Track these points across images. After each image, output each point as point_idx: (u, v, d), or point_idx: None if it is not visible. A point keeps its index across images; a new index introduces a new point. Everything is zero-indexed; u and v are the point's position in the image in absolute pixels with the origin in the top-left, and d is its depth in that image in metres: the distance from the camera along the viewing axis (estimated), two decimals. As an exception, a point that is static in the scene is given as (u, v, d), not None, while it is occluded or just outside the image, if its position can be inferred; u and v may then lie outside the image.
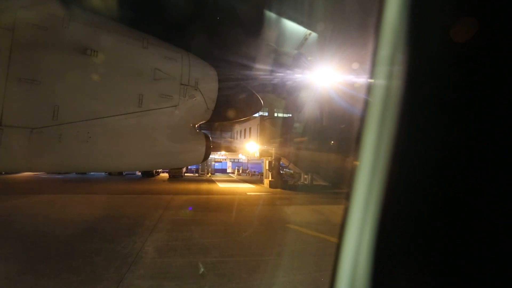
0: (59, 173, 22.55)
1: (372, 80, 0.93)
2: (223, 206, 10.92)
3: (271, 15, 13.21)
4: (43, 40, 2.88)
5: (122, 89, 3.39)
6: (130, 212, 8.87)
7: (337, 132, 17.06)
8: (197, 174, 31.21)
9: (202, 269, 4.38)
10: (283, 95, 23.75)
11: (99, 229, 6.60)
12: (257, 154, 20.36)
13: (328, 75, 16.17)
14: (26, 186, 15.20)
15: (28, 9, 2.84)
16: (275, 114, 27.68)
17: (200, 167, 31.46)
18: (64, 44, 2.99)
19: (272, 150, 19.28)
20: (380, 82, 0.91)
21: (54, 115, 2.91)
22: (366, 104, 0.92)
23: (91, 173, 24.87)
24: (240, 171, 33.80)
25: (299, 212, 9.95)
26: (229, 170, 36.45)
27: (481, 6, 0.70)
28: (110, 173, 24.80)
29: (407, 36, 0.83)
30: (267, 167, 20.88)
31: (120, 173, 25.69)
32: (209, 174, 30.63)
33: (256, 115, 18.78)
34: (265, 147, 19.57)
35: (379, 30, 0.88)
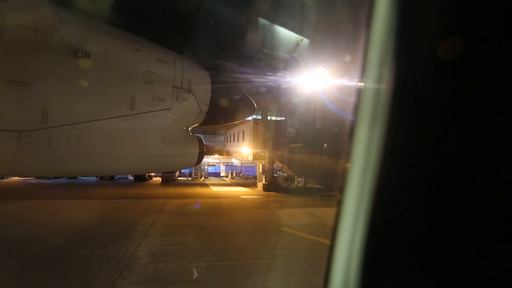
0: (49, 178, 22.04)
1: (362, 84, 0.95)
2: (216, 209, 10.85)
3: (264, 21, 13.33)
4: (33, 41, 2.83)
5: (114, 92, 3.36)
6: (122, 217, 8.72)
7: (330, 135, 17.20)
8: (190, 178, 30.91)
9: (195, 274, 4.33)
10: (276, 98, 23.92)
11: (90, 234, 6.47)
12: (250, 158, 20.34)
13: (320, 79, 16.36)
14: (14, 192, 14.80)
15: (18, 10, 2.79)
16: (269, 118, 27.77)
17: (193, 170, 31.19)
18: (55, 46, 2.95)
19: (266, 153, 19.30)
20: (370, 86, 0.93)
21: (44, 118, 2.85)
22: (357, 107, 0.94)
23: (82, 177, 24.40)
24: (234, 175, 33.64)
25: (293, 215, 9.96)
26: (222, 174, 36.22)
27: (465, 27, 0.73)
28: (101, 178, 24.34)
29: (397, 42, 0.85)
30: (260, 171, 20.87)
31: (112, 177, 25.23)
32: (203, 177, 30.35)
33: (249, 118, 18.80)
34: (258, 150, 19.56)
35: (369, 36, 0.90)
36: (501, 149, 0.66)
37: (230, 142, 28.87)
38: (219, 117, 4.66)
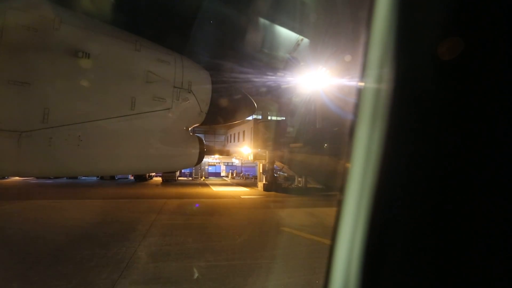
0: (49, 178, 22.07)
1: (363, 84, 0.95)
2: (217, 209, 10.85)
3: (264, 21, 13.34)
4: (34, 41, 2.84)
5: (114, 92, 3.36)
6: (123, 217, 8.73)
7: (330, 135, 17.20)
8: (190, 178, 30.92)
9: (196, 274, 4.33)
10: (277, 98, 23.92)
11: (91, 234, 6.47)
12: (251, 158, 20.34)
13: (320, 79, 16.35)
14: (14, 192, 14.82)
15: (18, 10, 2.79)
16: (269, 117, 27.76)
17: (193, 170, 31.20)
18: (55, 46, 2.95)
19: (266, 153, 19.30)
20: (370, 86, 0.93)
21: (44, 118, 2.85)
22: (358, 107, 0.94)
23: (83, 177, 24.42)
24: (234, 175, 33.64)
25: (294, 215, 9.95)
26: (223, 174, 36.21)
27: (465, 27, 0.73)
28: (102, 178, 24.37)
29: (397, 41, 0.85)
30: (261, 170, 20.87)
31: (112, 177, 25.25)
32: (203, 177, 30.35)
33: (250, 118, 18.80)
34: (259, 150, 19.56)
35: (369, 36, 0.90)
36: (501, 149, 0.66)
37: (230, 142, 28.87)
38: (219, 117, 4.67)
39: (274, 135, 19.35)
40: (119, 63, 3.39)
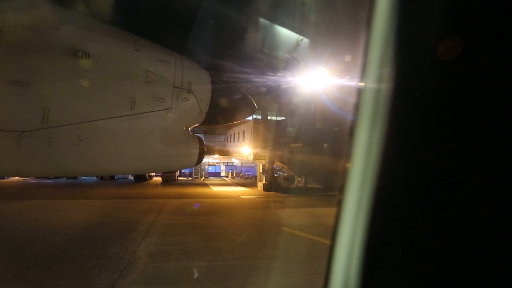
0: (49, 178, 22.05)
1: (363, 84, 0.95)
2: (217, 209, 10.85)
3: (264, 21, 13.34)
4: (33, 41, 2.83)
5: (114, 92, 3.36)
6: (123, 217, 8.73)
7: (330, 135, 17.21)
8: (190, 178, 30.92)
9: (196, 274, 4.33)
10: (276, 98, 23.94)
11: (90, 234, 6.47)
12: (250, 158, 20.34)
13: (320, 79, 16.35)
14: (14, 192, 14.81)
15: (18, 10, 2.79)
16: (269, 118, 27.76)
17: (193, 170, 31.20)
18: (55, 46, 2.95)
19: (266, 153, 19.29)
20: (370, 86, 0.93)
21: (44, 118, 2.85)
22: (358, 107, 0.94)
23: (82, 177, 24.41)
24: (234, 175, 33.64)
25: (293, 215, 9.96)
26: (223, 174, 36.21)
27: (465, 26, 0.73)
28: (102, 177, 24.36)
29: (397, 42, 0.85)
30: (260, 170, 20.87)
31: (112, 177, 25.22)
32: (203, 177, 30.35)
33: (250, 118, 18.80)
34: (258, 150, 19.56)
35: (369, 36, 0.90)
36: (502, 149, 0.66)
37: (230, 142, 28.87)
38: (219, 117, 4.67)
39: (274, 135, 19.34)
40: (119, 63, 3.39)
